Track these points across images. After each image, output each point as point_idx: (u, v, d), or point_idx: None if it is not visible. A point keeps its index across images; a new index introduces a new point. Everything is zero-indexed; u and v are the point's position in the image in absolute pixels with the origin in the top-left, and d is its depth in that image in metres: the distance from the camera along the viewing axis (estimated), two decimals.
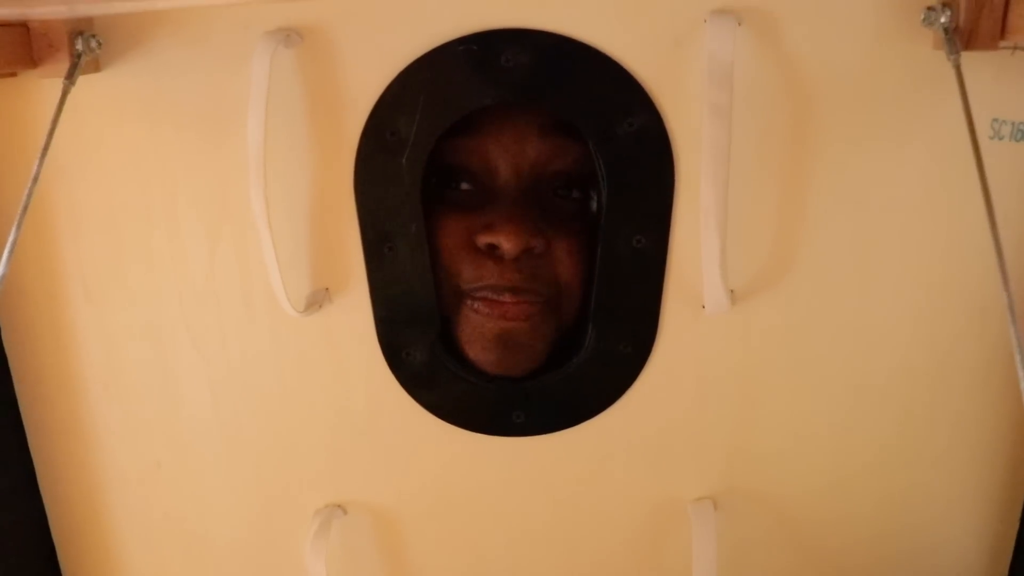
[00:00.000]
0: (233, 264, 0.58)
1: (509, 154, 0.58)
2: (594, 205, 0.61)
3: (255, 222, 0.54)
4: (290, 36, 0.52)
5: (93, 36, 0.53)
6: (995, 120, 0.52)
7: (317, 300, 0.58)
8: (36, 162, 0.50)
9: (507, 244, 0.56)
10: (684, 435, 0.62)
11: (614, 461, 0.63)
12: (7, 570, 0.66)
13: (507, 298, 0.58)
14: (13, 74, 0.55)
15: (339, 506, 0.63)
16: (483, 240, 0.57)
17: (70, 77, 0.51)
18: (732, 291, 0.55)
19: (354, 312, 0.58)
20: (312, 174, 0.56)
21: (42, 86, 0.55)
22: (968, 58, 0.47)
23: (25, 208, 0.50)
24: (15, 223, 0.48)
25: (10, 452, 0.65)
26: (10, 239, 0.49)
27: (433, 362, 0.59)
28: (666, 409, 0.61)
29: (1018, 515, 0.65)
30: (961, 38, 0.47)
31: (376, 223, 0.56)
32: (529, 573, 0.66)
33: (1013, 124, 0.53)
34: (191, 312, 0.60)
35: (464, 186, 0.60)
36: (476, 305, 0.59)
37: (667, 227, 0.56)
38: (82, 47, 0.52)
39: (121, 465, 0.65)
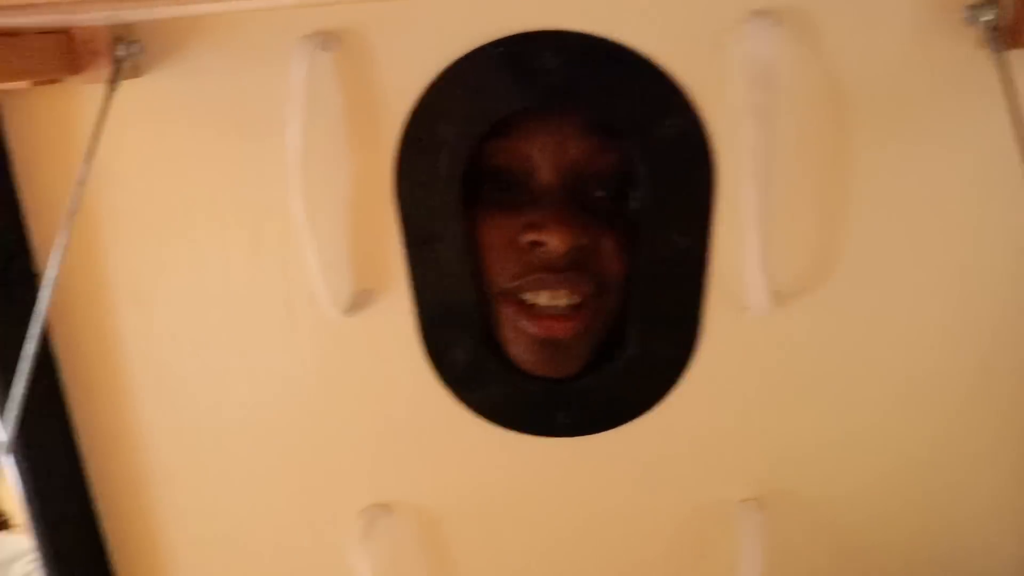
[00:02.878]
0: (275, 266, 0.58)
1: (549, 154, 0.58)
2: (635, 204, 0.60)
3: (296, 224, 0.54)
4: (327, 40, 0.51)
5: (134, 41, 0.53)
6: None
7: (359, 301, 0.58)
8: (81, 167, 0.51)
9: (555, 241, 0.56)
10: (728, 436, 0.61)
11: (658, 462, 0.62)
12: (60, 568, 0.67)
13: (552, 302, 0.58)
14: (56, 80, 0.55)
15: (384, 506, 0.64)
16: (529, 238, 0.57)
17: (112, 82, 0.52)
18: (775, 292, 0.54)
19: (396, 313, 0.58)
20: (352, 176, 0.55)
21: (85, 92, 0.55)
22: (1013, 57, 0.45)
23: (72, 212, 0.51)
24: (63, 227, 0.49)
25: (60, 452, 0.66)
26: (58, 242, 0.49)
27: (476, 363, 0.59)
28: (710, 410, 0.60)
29: None
30: (1005, 36, 0.46)
31: (416, 225, 0.56)
32: (572, 574, 0.66)
33: None
34: (234, 314, 0.60)
35: (505, 186, 0.59)
36: (520, 313, 0.59)
37: (708, 227, 0.55)
38: (123, 53, 0.53)
39: (167, 465, 0.66)
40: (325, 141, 0.54)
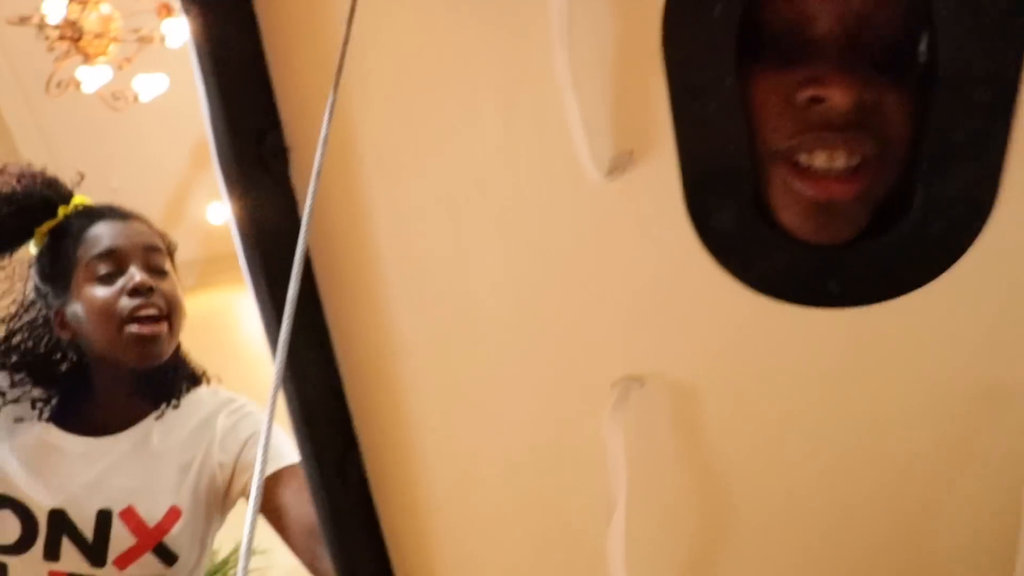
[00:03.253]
0: (531, 129, 0.56)
1: (831, 3, 0.53)
2: (926, 57, 0.54)
3: (557, 84, 0.52)
4: None
5: None
6: None
7: (620, 164, 0.55)
8: (344, 30, 0.50)
9: (837, 97, 0.51)
10: (1019, 313, 0.56)
11: (938, 337, 0.58)
12: (313, 440, 0.69)
13: (829, 164, 0.54)
14: None
15: (637, 379, 0.62)
16: (808, 94, 0.52)
17: None
18: None
19: (659, 175, 0.55)
20: (616, 30, 0.52)
21: None
22: None
23: (336, 83, 0.50)
24: (329, 101, 0.48)
25: (311, 325, 0.67)
26: (324, 127, 0.49)
27: (743, 228, 0.56)
28: (1000, 282, 0.55)
29: None
30: None
31: (686, 79, 0.53)
32: (832, 451, 0.63)
33: None
34: (486, 182, 0.59)
35: (781, 38, 0.55)
36: (794, 176, 0.55)
37: (1015, 83, 0.49)
38: None
39: (413, 336, 0.66)
40: None
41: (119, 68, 3.81)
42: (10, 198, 1.35)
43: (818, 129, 0.53)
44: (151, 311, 1.30)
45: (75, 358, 1.38)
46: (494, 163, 0.58)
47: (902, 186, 0.56)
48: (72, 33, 3.55)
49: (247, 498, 1.32)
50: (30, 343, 1.40)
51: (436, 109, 0.58)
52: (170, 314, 1.33)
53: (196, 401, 1.41)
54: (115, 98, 3.98)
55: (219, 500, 1.36)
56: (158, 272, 1.35)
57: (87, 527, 1.28)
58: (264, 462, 0.50)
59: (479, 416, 0.67)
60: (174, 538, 1.30)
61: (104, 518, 1.28)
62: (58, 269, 1.35)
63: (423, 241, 0.62)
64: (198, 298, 4.95)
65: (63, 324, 1.35)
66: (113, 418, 1.37)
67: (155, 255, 1.36)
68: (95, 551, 1.28)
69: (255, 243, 0.64)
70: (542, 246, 0.60)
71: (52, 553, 1.27)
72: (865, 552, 0.65)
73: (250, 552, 0.42)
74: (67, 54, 3.63)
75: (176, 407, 1.38)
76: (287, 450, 1.33)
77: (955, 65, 0.50)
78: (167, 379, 1.38)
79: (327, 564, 1.18)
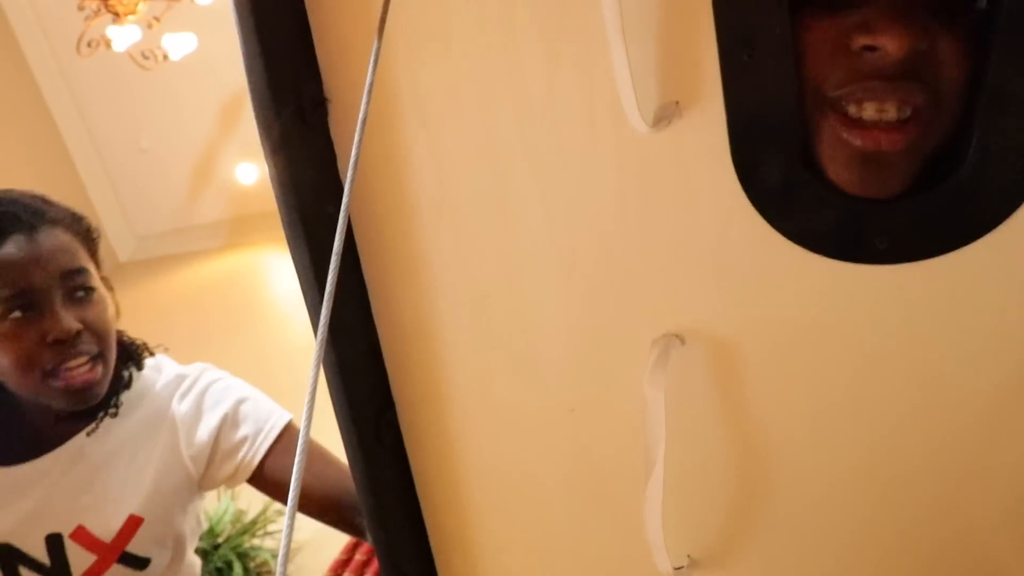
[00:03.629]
0: (575, 80, 0.55)
1: None
2: (984, 3, 0.52)
3: (604, 32, 0.51)
4: None
5: None
6: None
7: (666, 115, 0.54)
8: None
9: (891, 44, 0.50)
10: None
11: (987, 296, 0.56)
12: (350, 399, 0.69)
13: (879, 115, 0.52)
14: None
15: (677, 335, 0.61)
16: (861, 42, 0.51)
17: None
18: None
19: (706, 127, 0.54)
20: None
21: None
22: None
23: (380, 32, 0.49)
24: (373, 55, 0.47)
25: (349, 281, 0.67)
26: (370, 68, 0.48)
27: (790, 181, 0.55)
28: None
29: None
30: None
31: (735, 26, 0.51)
32: (876, 412, 0.61)
33: None
34: (529, 134, 0.58)
35: None
36: (843, 126, 0.54)
37: None
38: None
39: (453, 292, 0.66)
40: None
41: (148, 27, 3.81)
42: None
43: (869, 78, 0.52)
44: (80, 360, 1.12)
45: None
46: (537, 114, 0.57)
47: (953, 138, 0.55)
48: None
49: (233, 483, 1.25)
50: None
51: (478, 59, 0.57)
52: (102, 348, 1.15)
53: (138, 392, 1.24)
54: (144, 57, 3.99)
55: (191, 491, 1.25)
56: (84, 296, 1.14)
57: (40, 554, 1.17)
58: (303, 452, 0.47)
59: (517, 374, 0.67)
60: (139, 545, 1.19)
61: (55, 542, 1.17)
62: None
63: (464, 195, 0.61)
64: (227, 258, 5.00)
65: None
66: (36, 440, 1.20)
67: (75, 277, 1.14)
68: (57, 574, 1.17)
69: (293, 196, 0.63)
70: (584, 199, 0.59)
71: None
72: (908, 518, 0.64)
73: (288, 554, 0.41)
74: (97, 13, 3.63)
75: (115, 415, 1.21)
76: (275, 416, 1.26)
77: (1016, 11, 0.48)
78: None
79: (356, 520, 1.17)
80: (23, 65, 4.55)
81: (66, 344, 1.10)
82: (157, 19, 3.83)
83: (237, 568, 2.80)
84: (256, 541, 2.99)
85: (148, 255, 5.03)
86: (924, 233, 0.55)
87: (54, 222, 1.15)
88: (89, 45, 3.79)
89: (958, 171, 0.53)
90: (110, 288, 1.23)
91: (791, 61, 0.52)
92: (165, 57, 3.99)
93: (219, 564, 2.81)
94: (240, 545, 2.91)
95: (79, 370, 1.11)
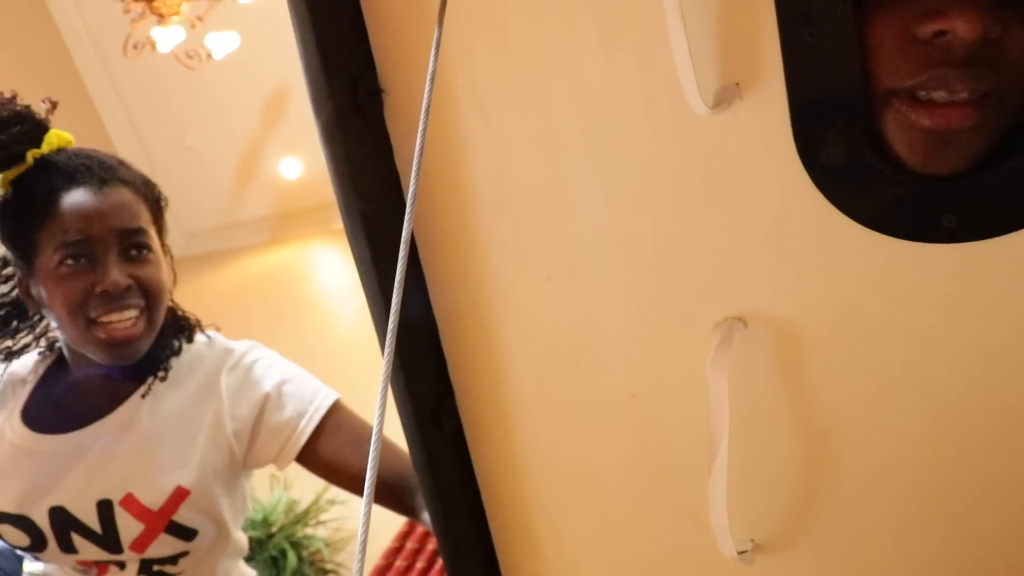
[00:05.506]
0: (633, 64, 0.55)
1: None
2: None
3: (662, 14, 0.50)
4: None
5: None
6: None
7: (726, 96, 0.53)
8: None
9: (963, 27, 0.49)
10: None
11: None
12: (409, 387, 0.69)
13: (949, 99, 0.51)
14: None
15: (740, 319, 0.61)
16: (930, 28, 0.50)
17: None
18: None
19: (767, 108, 0.54)
20: None
21: None
22: None
23: (441, 18, 0.49)
24: (433, 46, 0.47)
25: (408, 271, 0.67)
26: (432, 55, 0.48)
27: (854, 160, 0.54)
28: None
29: None
30: None
31: (796, 6, 0.50)
32: (943, 394, 0.60)
33: None
34: (586, 119, 0.58)
35: None
36: (910, 109, 0.53)
37: None
38: None
39: (510, 279, 0.66)
40: None
41: (191, 27, 3.86)
42: None
43: (939, 66, 0.51)
44: (124, 315, 1.14)
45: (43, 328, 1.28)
46: (594, 99, 0.57)
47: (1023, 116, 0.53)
48: None
49: (280, 463, 1.26)
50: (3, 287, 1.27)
51: (534, 45, 0.57)
52: (149, 305, 1.17)
53: (189, 363, 1.26)
54: (189, 56, 4.04)
55: (237, 468, 1.26)
56: (138, 254, 1.17)
57: (91, 520, 1.20)
58: (376, 453, 0.47)
59: (577, 359, 0.67)
60: (185, 516, 1.21)
61: (105, 508, 1.19)
62: (20, 237, 1.18)
63: (521, 181, 0.61)
64: (272, 253, 5.06)
65: (28, 295, 1.21)
66: (92, 405, 1.24)
67: (134, 236, 1.17)
68: (107, 541, 1.20)
69: (351, 188, 0.64)
70: (644, 183, 0.58)
71: (68, 547, 1.21)
72: (972, 498, 0.63)
73: (365, 549, 0.41)
74: (142, 16, 3.69)
75: (164, 379, 1.24)
76: (321, 396, 1.25)
77: None
78: (149, 355, 1.22)
79: (408, 500, 1.18)
80: (71, 69, 4.64)
81: (113, 297, 1.13)
82: (200, 19, 3.88)
83: (291, 557, 2.84)
84: (309, 530, 3.04)
85: (195, 251, 5.10)
86: (993, 210, 0.54)
87: (124, 181, 1.18)
88: (135, 47, 3.86)
89: None
90: (168, 255, 1.26)
91: (854, 39, 0.51)
92: (208, 56, 4.05)
93: (273, 553, 2.85)
94: (293, 534, 2.96)
95: (122, 324, 1.14)
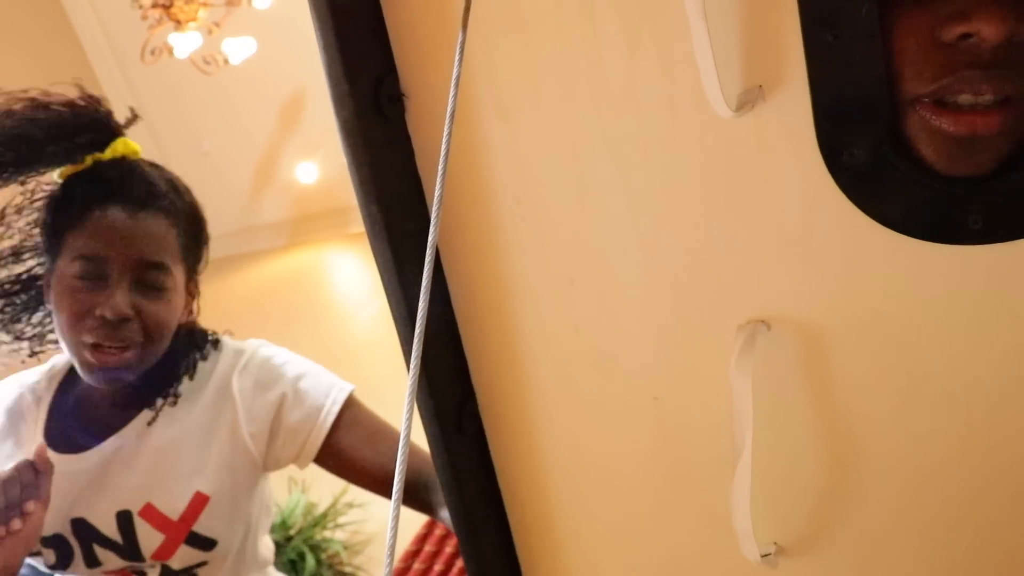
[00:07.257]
0: (655, 66, 0.55)
1: None
2: None
3: (685, 17, 0.50)
4: None
5: None
6: None
7: (749, 99, 0.53)
8: None
9: (988, 29, 0.48)
10: None
11: None
12: (431, 389, 0.70)
13: (974, 102, 0.51)
14: None
15: (763, 322, 0.61)
16: (956, 31, 0.50)
17: None
18: None
19: (790, 110, 0.54)
20: None
21: None
22: None
23: (464, 23, 0.49)
24: (458, 50, 0.47)
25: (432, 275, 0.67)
26: (456, 59, 0.48)
27: (879, 163, 0.54)
28: None
29: None
30: None
31: (819, 8, 0.50)
32: (969, 398, 0.60)
33: None
34: (609, 122, 0.58)
35: None
36: (934, 113, 0.52)
37: None
38: None
39: (532, 282, 0.66)
40: None
41: (208, 33, 3.89)
42: (59, 121, 1.14)
43: (964, 68, 0.51)
44: (115, 344, 1.13)
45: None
46: (617, 102, 0.57)
47: None
48: (164, 0, 3.63)
49: (300, 463, 1.25)
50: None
51: (556, 48, 0.57)
52: (145, 342, 1.16)
53: (199, 381, 1.25)
54: (206, 62, 4.07)
55: (257, 471, 1.26)
56: (151, 290, 1.16)
57: (111, 531, 1.20)
58: (404, 457, 0.47)
59: (599, 362, 0.67)
60: (206, 524, 1.21)
61: (125, 519, 1.20)
62: (53, 233, 1.19)
63: (544, 184, 0.62)
64: (289, 257, 5.08)
65: (48, 286, 1.20)
66: (109, 417, 1.24)
67: (152, 270, 1.16)
68: (129, 551, 1.21)
69: (373, 192, 0.64)
70: (667, 186, 0.58)
71: (92, 561, 1.21)
72: (999, 503, 0.63)
73: (394, 543, 0.41)
74: (159, 22, 3.72)
75: (174, 404, 1.23)
76: (336, 390, 1.24)
77: None
78: (155, 379, 1.21)
79: (424, 496, 1.18)
80: (90, 74, 4.67)
81: (110, 324, 1.12)
82: (217, 24, 3.91)
83: (310, 560, 2.85)
84: (327, 533, 3.04)
85: (213, 255, 5.08)
86: (1020, 212, 0.54)
87: (164, 210, 1.18)
88: (152, 53, 3.88)
89: None
90: (193, 293, 1.26)
91: (878, 41, 0.51)
92: (225, 62, 4.07)
93: (292, 556, 2.86)
94: (312, 537, 2.97)
95: (111, 350, 1.13)
